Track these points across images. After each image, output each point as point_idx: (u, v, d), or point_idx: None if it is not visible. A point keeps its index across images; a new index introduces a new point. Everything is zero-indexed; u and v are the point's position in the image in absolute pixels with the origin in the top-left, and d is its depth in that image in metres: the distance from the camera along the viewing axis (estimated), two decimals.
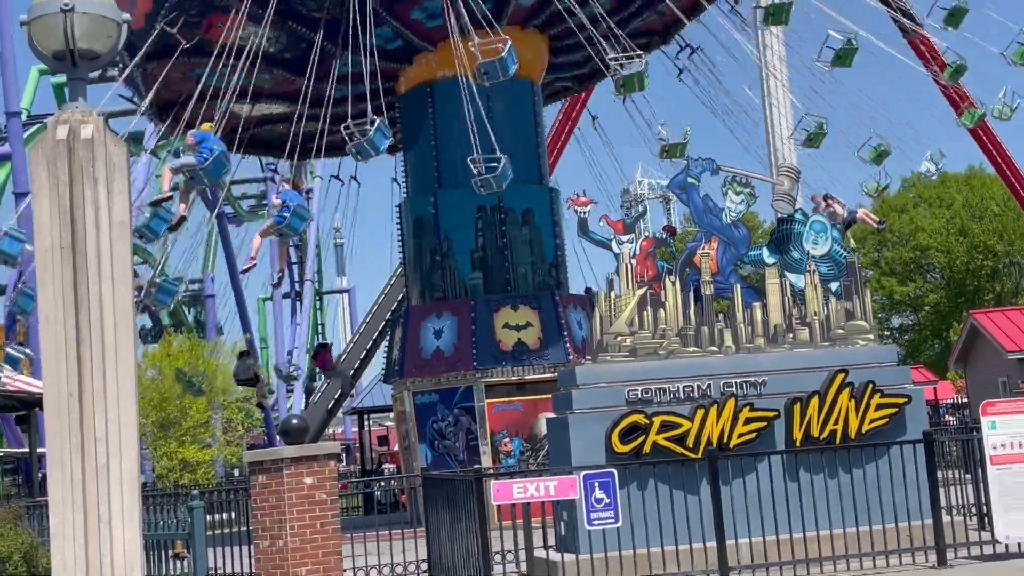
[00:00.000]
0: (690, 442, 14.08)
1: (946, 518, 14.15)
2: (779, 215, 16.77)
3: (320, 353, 29.09)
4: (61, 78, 32.15)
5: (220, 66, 22.19)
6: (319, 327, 61.77)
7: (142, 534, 7.27)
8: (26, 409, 28.23)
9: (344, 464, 46.75)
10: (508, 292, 25.84)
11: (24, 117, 37.37)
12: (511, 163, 20.22)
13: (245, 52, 21.87)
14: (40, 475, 26.67)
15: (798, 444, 14.40)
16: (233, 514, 18.64)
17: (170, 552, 16.01)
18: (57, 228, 7.28)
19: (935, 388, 42.29)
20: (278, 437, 17.37)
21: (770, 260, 15.85)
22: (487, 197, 22.65)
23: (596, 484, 12.84)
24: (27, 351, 25.38)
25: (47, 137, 7.40)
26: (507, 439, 24.65)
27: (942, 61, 31.75)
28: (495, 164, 20.33)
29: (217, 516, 18.85)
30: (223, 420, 33.32)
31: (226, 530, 17.49)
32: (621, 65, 20.10)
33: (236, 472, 36.87)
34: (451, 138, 25.84)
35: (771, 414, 14.40)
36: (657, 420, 14.07)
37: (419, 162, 27.48)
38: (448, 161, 26.32)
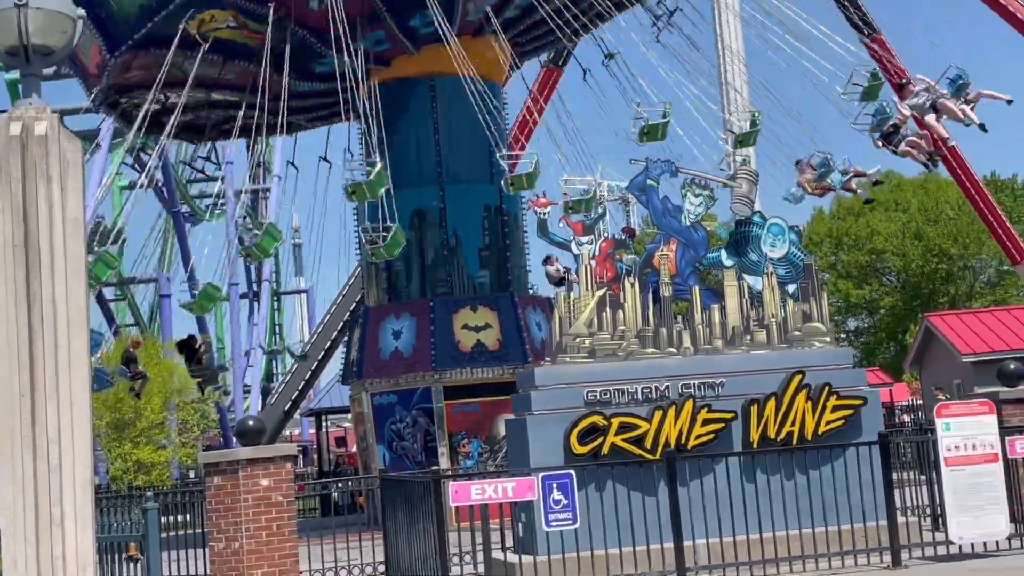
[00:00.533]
0: (648, 443, 14.10)
1: (901, 519, 14.27)
2: (737, 217, 16.84)
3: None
4: (15, 74, 31.75)
5: (182, 59, 22.30)
6: (276, 327, 61.40)
7: (95, 536, 7.18)
8: None
9: (301, 465, 46.49)
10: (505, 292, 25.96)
11: None
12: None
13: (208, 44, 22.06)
14: None
15: (755, 445, 14.47)
16: (188, 516, 18.48)
17: (124, 554, 15.83)
18: (9, 225, 7.18)
19: (891, 390, 42.66)
20: (234, 438, 17.26)
21: (728, 262, 15.91)
22: (491, 194, 22.99)
23: (554, 485, 12.84)
24: None
25: (0, 133, 7.30)
26: (465, 440, 24.62)
27: (899, 67, 32.08)
28: (385, 233, 20.88)
29: (172, 518, 18.69)
30: (178, 421, 33.03)
31: (181, 532, 17.34)
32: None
33: (192, 474, 36.55)
34: (450, 134, 25.99)
35: (729, 415, 14.46)
36: (615, 421, 14.09)
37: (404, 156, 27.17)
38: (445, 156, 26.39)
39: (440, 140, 26.59)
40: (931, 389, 30.97)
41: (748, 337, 15.21)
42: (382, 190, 21.00)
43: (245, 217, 25.08)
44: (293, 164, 29.38)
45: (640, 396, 14.47)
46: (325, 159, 27.17)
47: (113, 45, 23.84)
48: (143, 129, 25.74)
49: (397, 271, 26.77)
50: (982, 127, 18.83)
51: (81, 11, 7.79)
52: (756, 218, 16.55)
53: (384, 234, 21.24)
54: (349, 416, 36.99)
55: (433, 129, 26.63)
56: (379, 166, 20.94)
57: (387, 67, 26.43)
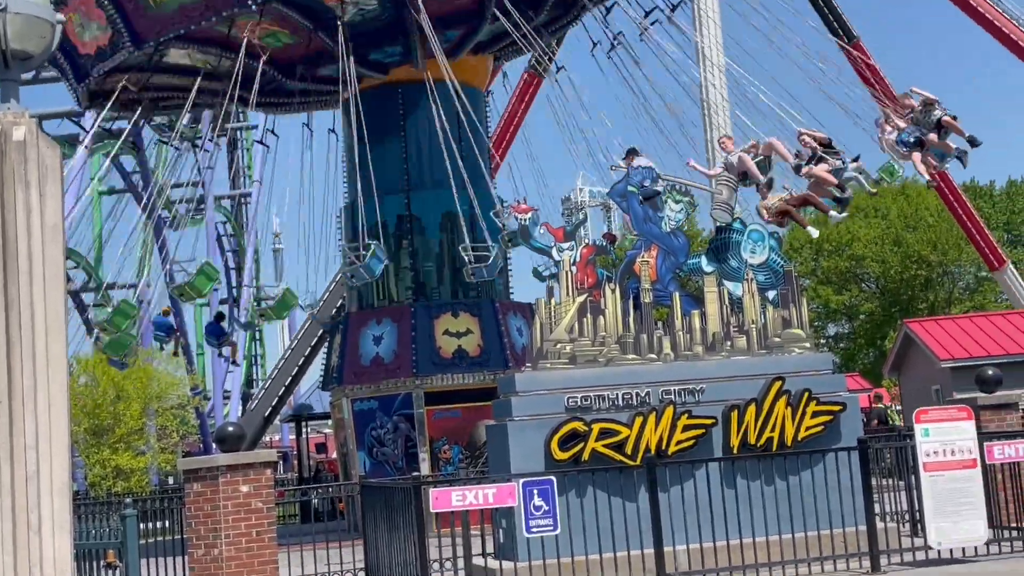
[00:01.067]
0: (629, 449, 14.12)
1: (880, 524, 14.34)
2: (717, 224, 16.89)
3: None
4: None
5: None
6: (257, 334, 61.21)
7: (73, 543, 7.14)
8: None
9: (281, 472, 46.33)
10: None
11: None
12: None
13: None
14: None
15: (735, 451, 14.51)
16: (167, 523, 18.42)
17: (102, 561, 15.77)
18: None
19: (870, 396, 42.82)
20: (214, 444, 17.21)
21: (708, 268, 15.95)
22: (464, 200, 23.07)
23: (535, 491, 12.85)
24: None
25: None
26: (446, 446, 24.59)
27: (878, 73, 32.24)
28: (487, 254, 21.07)
29: (151, 525, 18.61)
30: (157, 427, 32.85)
31: (160, 539, 17.27)
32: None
33: (171, 480, 36.38)
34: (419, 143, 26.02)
35: (709, 421, 14.49)
36: (596, 427, 14.10)
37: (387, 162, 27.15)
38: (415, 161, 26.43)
39: (408, 149, 26.67)
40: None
41: (728, 343, 15.26)
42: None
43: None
44: (274, 132, 29.39)
45: (621, 402, 14.49)
46: (307, 125, 27.53)
47: (138, 38, 23.76)
48: (121, 106, 25.95)
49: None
50: (972, 141, 18.86)
51: (60, 16, 7.76)
52: (736, 224, 16.59)
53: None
54: (329, 422, 36.92)
55: (402, 138, 26.72)
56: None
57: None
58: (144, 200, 29.96)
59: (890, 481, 16.58)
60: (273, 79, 25.81)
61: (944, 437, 13.94)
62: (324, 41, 23.97)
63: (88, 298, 47.86)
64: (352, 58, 23.21)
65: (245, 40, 22.99)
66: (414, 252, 26.36)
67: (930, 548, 14.01)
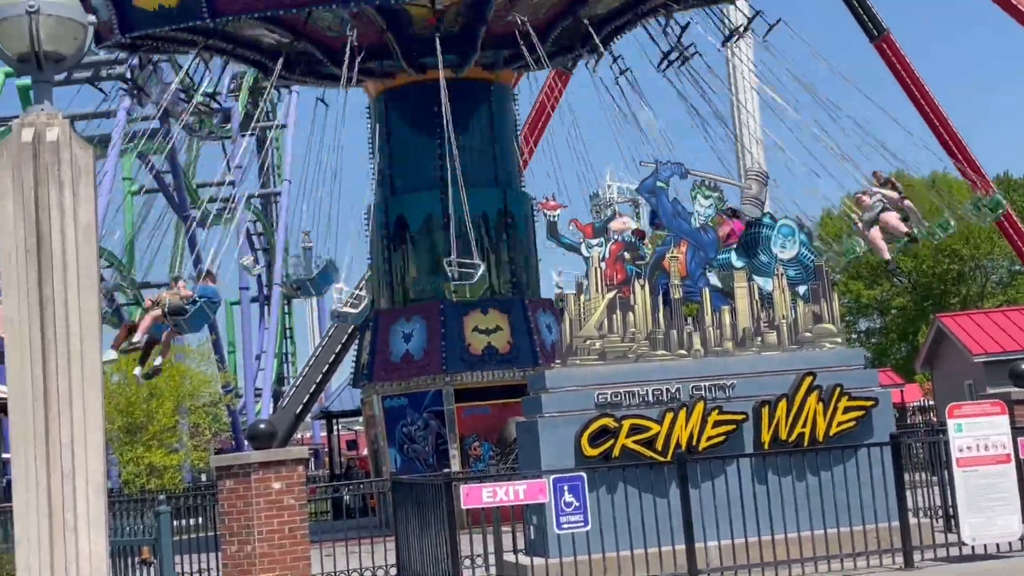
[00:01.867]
0: (659, 445, 14.10)
1: (913, 520, 14.24)
2: (747, 219, 16.81)
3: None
4: (26, 80, 31.81)
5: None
6: (287, 331, 61.48)
7: (108, 540, 7.20)
8: None
9: (313, 468, 46.52)
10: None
11: None
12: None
13: None
14: (5, 480, 26.39)
15: (766, 447, 14.45)
16: (200, 519, 18.54)
17: (137, 558, 15.88)
18: (22, 231, 7.21)
19: (902, 391, 42.59)
20: (246, 442, 17.31)
21: (738, 264, 15.89)
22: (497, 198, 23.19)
23: (565, 488, 12.85)
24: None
25: (12, 140, 7.33)
26: (477, 443, 24.62)
27: (908, 66, 32.05)
28: (471, 271, 21.16)
29: (184, 521, 18.74)
30: (190, 425, 33.10)
31: (193, 535, 17.39)
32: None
33: (203, 477, 36.63)
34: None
35: (740, 417, 14.45)
36: (626, 423, 14.08)
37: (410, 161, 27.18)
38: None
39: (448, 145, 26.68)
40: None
41: (759, 339, 15.20)
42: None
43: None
44: (323, 101, 29.58)
45: (651, 398, 14.47)
46: (322, 100, 27.71)
47: (216, 10, 23.98)
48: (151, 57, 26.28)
49: (407, 274, 26.82)
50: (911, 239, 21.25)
51: (92, 17, 7.81)
52: (766, 219, 16.51)
53: (471, 271, 21.56)
54: (360, 419, 37.05)
55: (436, 135, 26.75)
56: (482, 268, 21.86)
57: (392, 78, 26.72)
58: (175, 199, 30.13)
59: (923, 476, 16.47)
60: (315, 59, 26.02)
61: (977, 432, 13.84)
62: (390, 41, 24.37)
63: (121, 298, 48.23)
64: (403, 60, 23.72)
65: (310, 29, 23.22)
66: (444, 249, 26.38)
67: (964, 544, 13.91)
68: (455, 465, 23.91)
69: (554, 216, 16.83)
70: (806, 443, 14.50)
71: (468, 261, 21.78)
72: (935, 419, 31.21)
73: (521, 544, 14.83)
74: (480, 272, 21.49)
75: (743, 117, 35.53)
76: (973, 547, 13.91)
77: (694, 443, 14.17)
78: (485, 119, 24.01)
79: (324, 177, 31.35)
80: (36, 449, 7.00)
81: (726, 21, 29.31)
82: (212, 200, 37.03)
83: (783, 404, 14.51)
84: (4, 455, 26.90)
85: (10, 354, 7.08)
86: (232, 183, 44.67)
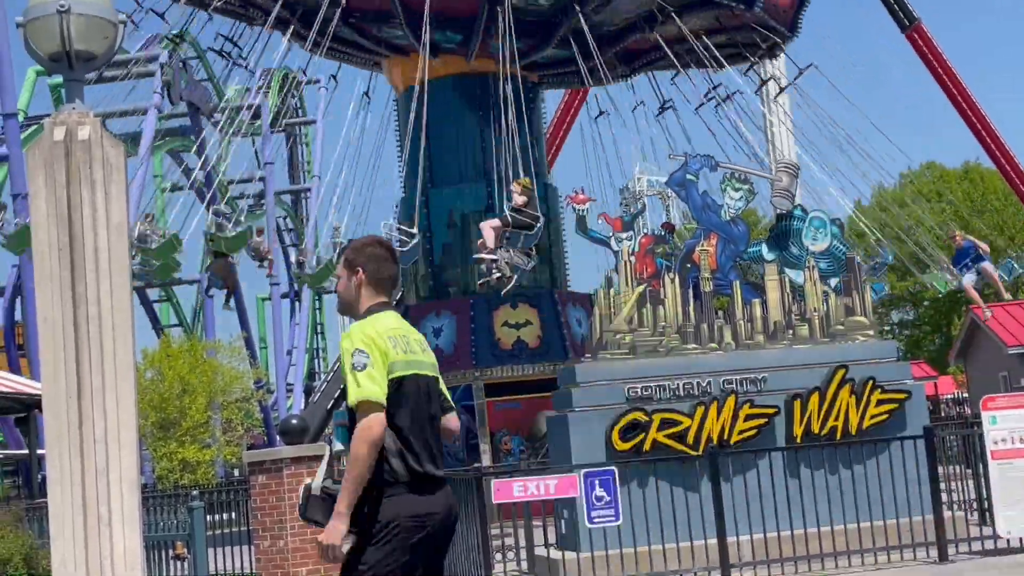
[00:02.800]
0: (690, 439, 14.06)
1: (947, 513, 14.13)
2: (778, 211, 16.74)
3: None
4: (58, 79, 32.01)
5: None
6: (318, 327, 61.72)
7: (142, 535, 7.25)
8: (25, 411, 28.20)
9: (343, 464, 46.55)
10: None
11: (21, 118, 37.28)
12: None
13: None
14: (40, 477, 26.63)
15: (799, 440, 14.39)
16: (233, 514, 18.63)
17: (171, 553, 16.00)
18: (54, 229, 7.26)
19: (935, 383, 42.23)
20: (278, 437, 17.36)
21: (769, 256, 15.82)
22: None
23: (596, 482, 12.83)
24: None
25: (44, 138, 7.38)
26: (507, 438, 24.63)
27: (940, 55, 31.82)
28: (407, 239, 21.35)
29: (217, 516, 18.83)
30: (223, 420, 33.24)
31: (226, 530, 17.48)
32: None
33: (236, 472, 36.81)
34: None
35: (771, 411, 14.39)
36: (657, 417, 14.06)
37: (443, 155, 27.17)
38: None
39: (481, 139, 26.65)
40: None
41: (790, 332, 15.13)
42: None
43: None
44: (335, 78, 29.82)
45: (682, 392, 14.43)
46: (367, 95, 27.81)
47: None
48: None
49: (437, 268, 26.86)
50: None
51: (122, 16, 7.85)
52: (797, 212, 16.44)
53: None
54: None
55: (472, 129, 26.71)
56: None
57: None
58: (207, 196, 30.25)
59: (957, 470, 16.34)
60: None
61: (1012, 424, 13.72)
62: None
63: (153, 294, 48.52)
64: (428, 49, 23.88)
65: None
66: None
67: (999, 537, 13.80)
68: (486, 460, 23.91)
69: (583, 210, 16.82)
70: (839, 437, 14.42)
71: (518, 256, 21.76)
72: (969, 412, 30.95)
73: (552, 538, 14.84)
74: (530, 265, 21.46)
75: (776, 151, 35.65)
76: (1008, 540, 13.79)
77: (725, 437, 14.12)
78: (525, 113, 24.01)
79: (357, 172, 31.45)
80: (70, 445, 7.05)
81: (761, 72, 29.74)
82: (242, 196, 37.22)
83: (815, 397, 14.44)
84: (39, 451, 27.16)
85: (44, 351, 7.14)
86: (262, 179, 44.84)
